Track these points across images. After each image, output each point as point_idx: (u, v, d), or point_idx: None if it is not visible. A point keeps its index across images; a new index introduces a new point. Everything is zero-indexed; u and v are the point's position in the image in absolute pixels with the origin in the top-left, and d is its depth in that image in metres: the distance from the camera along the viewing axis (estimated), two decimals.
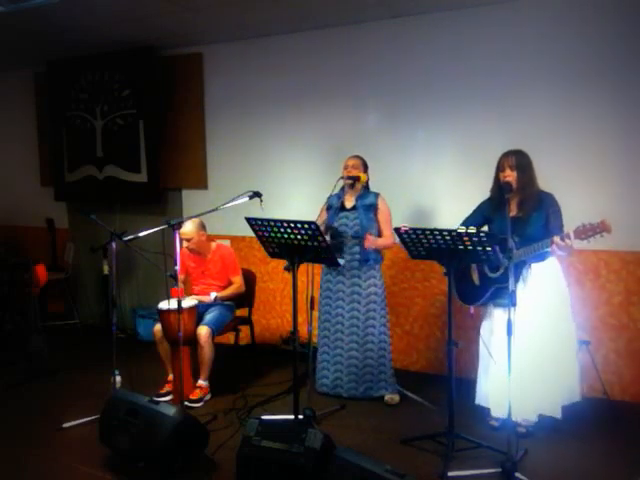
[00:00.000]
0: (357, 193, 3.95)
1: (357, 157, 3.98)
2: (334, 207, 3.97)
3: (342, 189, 4.00)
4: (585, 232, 2.97)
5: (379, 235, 3.94)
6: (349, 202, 3.97)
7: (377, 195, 3.96)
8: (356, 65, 4.64)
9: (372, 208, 3.91)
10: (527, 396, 3.24)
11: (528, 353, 3.21)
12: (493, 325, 3.43)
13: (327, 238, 3.88)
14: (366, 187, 4.01)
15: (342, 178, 3.82)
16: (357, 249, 3.88)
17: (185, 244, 4.17)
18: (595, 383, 3.79)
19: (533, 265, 3.29)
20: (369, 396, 3.94)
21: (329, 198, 4.01)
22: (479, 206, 3.54)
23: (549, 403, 3.31)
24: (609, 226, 2.92)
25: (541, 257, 3.25)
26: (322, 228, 3.88)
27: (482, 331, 3.49)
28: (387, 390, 3.95)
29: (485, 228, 3.48)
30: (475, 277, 3.42)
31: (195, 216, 4.03)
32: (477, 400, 3.55)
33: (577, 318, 3.43)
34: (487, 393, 3.46)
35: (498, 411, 3.40)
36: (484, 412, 3.52)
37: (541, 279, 3.29)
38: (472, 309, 3.50)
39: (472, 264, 3.39)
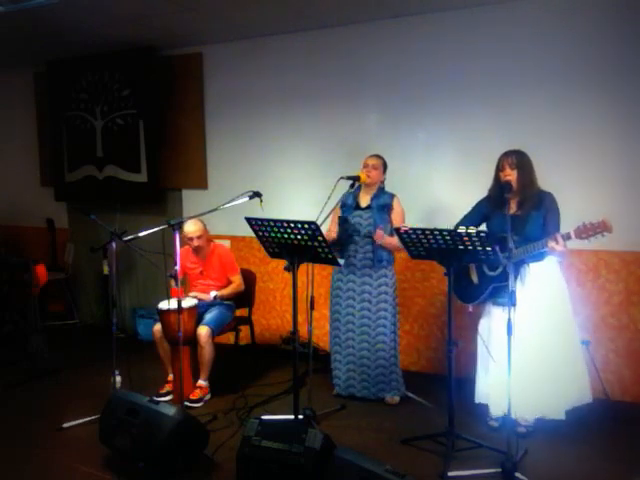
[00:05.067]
0: (372, 193, 3.92)
1: (378, 157, 3.94)
2: (348, 205, 3.95)
3: (358, 188, 3.97)
4: (586, 231, 2.96)
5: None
6: (364, 201, 3.94)
7: (393, 196, 3.92)
8: (356, 65, 4.63)
9: (386, 208, 3.87)
10: (527, 397, 3.24)
11: (527, 353, 3.20)
12: (491, 323, 3.43)
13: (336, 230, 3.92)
14: (382, 188, 3.97)
15: (342, 178, 3.79)
16: (369, 248, 3.84)
17: (196, 242, 4.17)
18: (595, 383, 3.77)
19: (532, 264, 3.29)
20: (382, 398, 3.92)
21: (343, 196, 3.95)
22: (477, 204, 3.54)
23: (550, 405, 3.31)
24: (610, 226, 2.91)
25: (540, 257, 3.25)
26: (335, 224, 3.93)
27: (480, 329, 3.49)
28: (398, 392, 3.93)
29: (483, 226, 3.48)
30: (474, 276, 3.42)
31: (195, 216, 4.04)
32: (477, 399, 3.55)
33: (577, 318, 3.43)
34: (487, 392, 3.46)
35: (498, 410, 3.40)
36: (484, 412, 3.52)
37: (540, 278, 3.29)
38: (470, 307, 3.49)
39: (471, 263, 3.39)
